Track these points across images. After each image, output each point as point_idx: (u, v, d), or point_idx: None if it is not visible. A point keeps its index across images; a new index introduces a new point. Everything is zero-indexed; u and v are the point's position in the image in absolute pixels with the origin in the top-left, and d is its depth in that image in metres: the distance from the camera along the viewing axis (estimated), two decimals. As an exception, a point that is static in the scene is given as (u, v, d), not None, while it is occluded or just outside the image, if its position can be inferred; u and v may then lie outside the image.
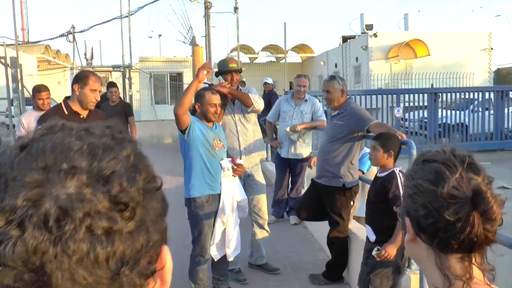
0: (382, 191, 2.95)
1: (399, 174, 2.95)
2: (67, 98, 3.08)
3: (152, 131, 14.50)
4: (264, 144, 4.18)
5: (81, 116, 3.03)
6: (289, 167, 5.51)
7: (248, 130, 3.95)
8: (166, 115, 15.49)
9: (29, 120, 4.29)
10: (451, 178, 0.88)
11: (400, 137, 3.14)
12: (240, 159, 3.77)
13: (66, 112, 2.96)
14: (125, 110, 6.95)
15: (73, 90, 3.00)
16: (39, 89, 4.68)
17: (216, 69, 3.92)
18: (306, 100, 5.28)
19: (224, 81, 3.71)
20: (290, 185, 5.63)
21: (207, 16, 15.35)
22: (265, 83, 10.00)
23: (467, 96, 11.83)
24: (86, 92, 2.99)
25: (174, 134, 14.73)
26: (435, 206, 0.88)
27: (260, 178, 4.08)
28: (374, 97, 11.04)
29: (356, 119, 3.54)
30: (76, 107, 3.03)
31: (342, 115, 3.64)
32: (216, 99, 3.28)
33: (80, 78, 3.00)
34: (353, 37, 22.42)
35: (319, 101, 5.38)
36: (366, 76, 18.01)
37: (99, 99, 3.10)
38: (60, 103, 3.04)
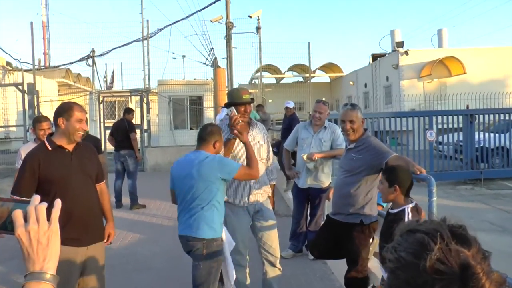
0: (390, 230, 2.91)
1: (408, 213, 2.88)
2: (50, 135, 3.09)
3: (171, 157, 14.63)
4: (275, 173, 4.13)
5: (67, 150, 3.04)
6: (307, 198, 5.44)
7: (259, 163, 3.93)
8: (185, 140, 15.67)
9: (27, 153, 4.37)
10: (435, 249, 0.82)
11: (418, 172, 3.05)
12: (249, 195, 3.82)
13: (50, 148, 2.98)
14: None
15: (57, 125, 3.02)
16: (39, 119, 4.78)
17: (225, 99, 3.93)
18: (325, 127, 5.26)
19: (236, 112, 3.69)
20: (309, 217, 5.56)
21: (228, 37, 15.63)
22: (286, 108, 9.98)
23: (507, 118, 11.49)
24: (73, 124, 3.01)
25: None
26: (419, 283, 0.82)
27: (269, 212, 4.05)
28: (405, 119, 10.87)
29: (375, 153, 3.51)
30: (61, 141, 3.03)
31: (359, 149, 3.61)
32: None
33: (65, 110, 3.02)
34: (383, 55, 22.34)
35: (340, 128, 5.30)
36: (397, 97, 17.80)
37: (87, 129, 3.13)
38: (43, 141, 3.06)
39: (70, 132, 3.01)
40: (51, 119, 5.53)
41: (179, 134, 16.11)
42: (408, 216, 2.84)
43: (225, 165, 3.26)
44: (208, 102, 16.70)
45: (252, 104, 3.94)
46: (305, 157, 5.13)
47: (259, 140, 3.99)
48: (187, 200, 3.31)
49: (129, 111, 9.16)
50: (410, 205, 2.95)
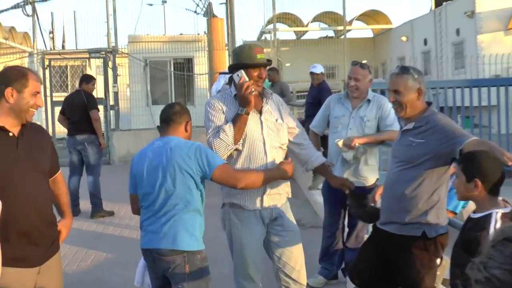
0: (468, 240, 2.96)
1: (496, 220, 2.92)
2: None
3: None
4: (311, 147, 4.26)
5: (11, 135, 3.06)
6: (344, 202, 5.44)
7: (279, 151, 4.01)
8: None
9: None
10: None
11: (510, 163, 3.07)
12: (264, 195, 3.90)
13: None
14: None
15: (1, 97, 3.01)
16: None
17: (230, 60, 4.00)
18: (368, 101, 5.25)
19: (246, 77, 3.72)
20: (347, 229, 5.60)
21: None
22: (312, 74, 9.94)
23: None
24: (26, 97, 3.03)
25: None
26: None
27: (291, 221, 4.09)
28: (485, 89, 10.79)
29: (443, 135, 3.49)
30: (4, 121, 3.03)
31: (421, 130, 3.60)
32: None
33: (15, 78, 3.02)
34: (452, -3, 22.09)
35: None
36: (473, 58, 17.65)
37: (42, 104, 3.17)
38: None
39: (21, 109, 3.04)
40: None
41: (160, 111, 16.05)
42: (495, 225, 2.82)
43: (206, 154, 3.42)
44: (200, 67, 16.75)
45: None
46: (340, 143, 5.12)
47: (277, 117, 4.01)
48: (158, 202, 3.44)
49: (88, 79, 9.20)
50: (501, 210, 2.93)
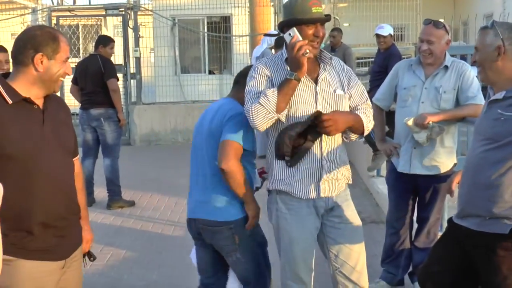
0: None
1: None
2: (4, 76, 3.16)
3: (176, 120, 14.76)
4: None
5: (35, 106, 3.14)
6: (413, 192, 5.44)
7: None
8: (201, 92, 15.73)
9: None
10: None
11: None
12: (320, 181, 3.93)
13: (11, 101, 3.05)
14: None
15: (25, 64, 3.07)
16: None
17: (281, 17, 4.01)
18: (446, 67, 5.18)
19: (299, 36, 3.73)
20: (416, 225, 5.59)
21: None
22: (378, 36, 9.82)
23: None
24: (56, 65, 3.12)
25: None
26: None
27: (352, 214, 4.11)
28: None
29: None
30: (29, 91, 3.10)
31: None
32: None
33: (45, 42, 3.09)
34: None
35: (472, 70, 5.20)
36: None
37: (71, 73, 3.29)
38: None
39: (51, 79, 3.14)
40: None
41: (190, 81, 16.24)
42: None
43: (230, 124, 3.99)
44: (240, 27, 16.65)
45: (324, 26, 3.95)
46: (410, 122, 5.08)
47: (336, 88, 3.98)
48: (202, 169, 4.08)
49: (105, 41, 9.25)
50: None
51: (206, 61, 16.93)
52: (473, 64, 3.77)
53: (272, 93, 3.69)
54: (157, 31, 16.25)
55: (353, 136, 4.05)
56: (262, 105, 3.68)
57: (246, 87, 3.87)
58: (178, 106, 15.16)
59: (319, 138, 3.87)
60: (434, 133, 5.10)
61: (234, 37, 16.72)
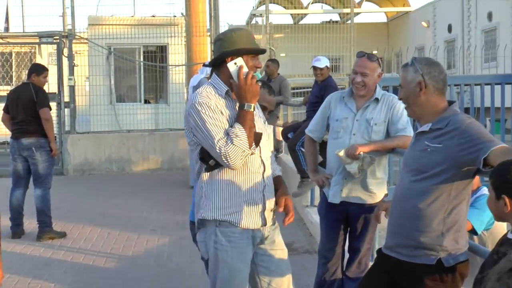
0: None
1: None
2: None
3: (112, 149, 14.64)
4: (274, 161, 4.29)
5: None
6: (345, 221, 5.48)
7: (270, 154, 4.12)
8: (136, 121, 15.63)
9: None
10: None
11: None
12: (265, 208, 3.95)
13: None
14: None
15: None
16: None
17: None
18: (377, 100, 5.25)
19: (246, 67, 3.77)
20: (347, 254, 5.59)
21: None
22: (315, 68, 9.96)
23: None
24: None
25: (151, 154, 14.95)
26: None
27: (281, 241, 4.12)
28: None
29: (466, 140, 3.48)
30: None
31: (438, 133, 3.61)
32: None
33: None
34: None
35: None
36: (507, 49, 17.73)
37: None
38: None
39: None
40: None
41: (126, 111, 16.12)
42: None
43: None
44: (177, 56, 16.65)
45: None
46: (342, 153, 5.11)
47: (264, 119, 4.08)
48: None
49: (38, 70, 9.12)
50: None
51: (142, 90, 16.82)
52: (400, 100, 3.84)
53: (240, 130, 3.69)
54: (92, 60, 16.09)
55: None
56: (237, 146, 3.67)
57: (202, 127, 3.76)
58: (113, 135, 15.05)
59: (262, 169, 3.92)
60: (366, 163, 5.14)
61: (170, 67, 16.69)
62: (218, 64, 3.92)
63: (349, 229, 5.49)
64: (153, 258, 7.75)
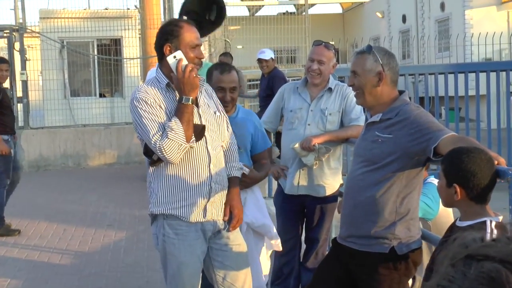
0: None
1: (491, 229, 2.95)
2: None
3: (67, 144, 14.51)
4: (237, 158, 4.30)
5: None
6: (301, 213, 5.51)
7: (221, 151, 4.10)
8: (91, 116, 15.51)
9: None
10: None
11: (495, 163, 3.08)
12: (209, 202, 3.95)
13: None
14: None
15: None
16: None
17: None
18: (330, 89, 5.28)
19: (185, 59, 3.77)
20: (304, 245, 5.64)
21: None
22: (260, 60, 10.01)
23: None
24: None
25: (108, 149, 14.86)
26: None
27: (238, 236, 4.14)
28: (473, 75, 10.98)
29: (416, 130, 3.53)
30: None
31: (388, 123, 3.65)
32: None
33: None
34: (435, -35, 22.50)
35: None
36: (460, 38, 17.97)
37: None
38: None
39: None
40: None
41: (80, 105, 15.98)
42: (492, 235, 2.87)
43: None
44: (131, 49, 16.55)
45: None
46: (297, 146, 5.14)
47: (215, 109, 4.05)
48: None
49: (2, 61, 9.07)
50: (493, 219, 2.98)
51: (97, 84, 16.69)
52: (352, 87, 3.85)
53: (176, 125, 3.69)
54: (45, 54, 15.91)
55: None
56: (172, 139, 3.67)
57: (140, 124, 3.80)
58: (68, 130, 14.93)
59: (208, 160, 3.90)
60: (321, 154, 5.17)
61: (125, 60, 16.59)
62: (160, 57, 3.93)
63: (305, 220, 5.53)
64: (110, 253, 7.70)
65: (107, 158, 14.85)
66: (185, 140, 3.70)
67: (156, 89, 3.86)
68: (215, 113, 4.01)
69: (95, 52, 16.73)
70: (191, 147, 3.79)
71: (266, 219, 4.72)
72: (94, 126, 15.00)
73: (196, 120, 3.88)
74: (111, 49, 16.80)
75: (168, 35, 3.87)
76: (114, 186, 12.27)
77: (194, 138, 3.79)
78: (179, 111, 3.74)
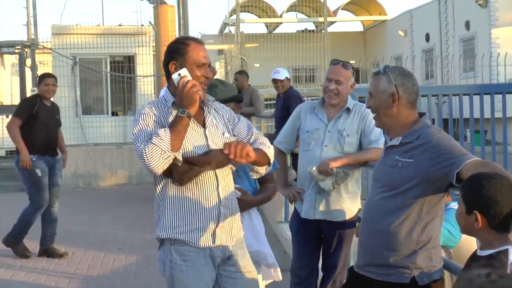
0: None
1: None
2: None
3: (77, 164, 14.52)
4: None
5: None
6: (318, 239, 5.47)
7: (230, 174, 4.03)
8: (103, 134, 15.55)
9: None
10: None
11: None
12: (218, 226, 3.87)
13: None
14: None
15: None
16: None
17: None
18: (348, 110, 5.27)
19: (190, 77, 3.76)
20: (321, 273, 5.58)
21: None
22: (275, 81, 9.98)
23: None
24: None
25: (119, 169, 14.83)
26: None
27: (248, 263, 4.08)
28: (499, 97, 10.89)
29: (436, 154, 3.49)
30: None
31: (409, 147, 3.61)
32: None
33: None
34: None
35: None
36: (487, 58, 17.87)
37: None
38: None
39: None
40: None
41: (92, 123, 16.07)
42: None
43: None
44: (145, 67, 16.62)
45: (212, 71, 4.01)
46: (314, 170, 5.11)
47: (224, 131, 3.98)
48: None
49: (39, 78, 9.16)
50: None
51: (109, 102, 16.79)
52: (368, 108, 3.85)
53: (165, 132, 3.64)
54: (57, 70, 15.99)
55: (261, 169, 3.97)
56: (155, 144, 3.59)
57: (134, 132, 3.79)
58: (79, 149, 14.95)
59: (216, 184, 3.85)
60: (339, 178, 5.14)
61: (138, 77, 16.65)
62: (168, 76, 3.91)
63: (322, 246, 5.49)
64: (120, 278, 7.67)
65: (118, 178, 14.89)
66: (169, 148, 3.61)
67: (162, 107, 3.85)
68: (223, 134, 3.95)
69: (108, 69, 16.83)
70: (176, 160, 3.69)
71: (262, 246, 4.67)
72: (106, 145, 15.07)
73: (202, 142, 3.84)
74: (124, 66, 16.91)
75: (174, 53, 3.86)
76: (125, 208, 12.26)
77: (181, 151, 3.71)
78: (173, 121, 3.71)
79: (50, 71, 16.10)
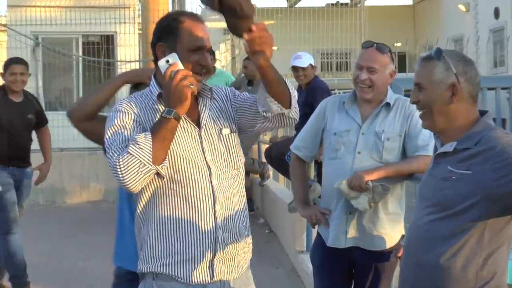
0: None
1: None
2: None
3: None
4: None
5: None
6: (348, 272, 5.51)
7: (234, 178, 4.01)
8: (72, 137, 15.57)
9: None
10: None
11: None
12: (215, 257, 3.85)
13: None
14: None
15: None
16: None
17: None
18: (388, 105, 5.28)
19: (180, 65, 3.70)
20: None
21: None
22: (296, 69, 9.96)
23: None
24: None
25: (92, 181, 14.84)
26: None
27: None
28: None
29: (502, 165, 3.48)
30: None
31: (466, 155, 3.61)
32: None
33: None
34: None
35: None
36: None
37: None
38: None
39: None
40: None
41: (58, 122, 16.02)
42: None
43: None
44: (127, 50, 16.68)
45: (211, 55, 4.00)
46: (343, 185, 5.10)
47: (221, 126, 3.97)
48: None
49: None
50: None
51: (81, 94, 16.84)
52: (415, 105, 3.82)
53: (145, 139, 3.56)
54: (12, 53, 16.06)
55: (276, 106, 3.86)
56: (132, 154, 3.52)
57: (106, 137, 3.72)
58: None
59: (212, 200, 3.83)
60: (377, 195, 5.13)
61: (119, 63, 16.70)
62: (155, 61, 3.88)
63: (354, 282, 5.52)
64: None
65: (91, 194, 14.96)
66: (150, 160, 3.53)
67: (146, 102, 3.83)
68: (220, 131, 3.93)
69: (80, 53, 16.94)
70: (159, 175, 3.65)
71: None
72: (75, 150, 15.08)
73: (196, 144, 3.84)
74: (101, 48, 16.97)
75: (162, 32, 3.85)
76: (99, 232, 12.23)
77: (166, 162, 3.64)
78: (156, 124, 3.64)
79: (4, 54, 16.25)
